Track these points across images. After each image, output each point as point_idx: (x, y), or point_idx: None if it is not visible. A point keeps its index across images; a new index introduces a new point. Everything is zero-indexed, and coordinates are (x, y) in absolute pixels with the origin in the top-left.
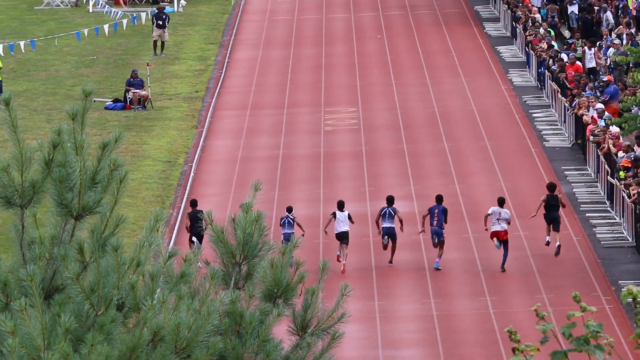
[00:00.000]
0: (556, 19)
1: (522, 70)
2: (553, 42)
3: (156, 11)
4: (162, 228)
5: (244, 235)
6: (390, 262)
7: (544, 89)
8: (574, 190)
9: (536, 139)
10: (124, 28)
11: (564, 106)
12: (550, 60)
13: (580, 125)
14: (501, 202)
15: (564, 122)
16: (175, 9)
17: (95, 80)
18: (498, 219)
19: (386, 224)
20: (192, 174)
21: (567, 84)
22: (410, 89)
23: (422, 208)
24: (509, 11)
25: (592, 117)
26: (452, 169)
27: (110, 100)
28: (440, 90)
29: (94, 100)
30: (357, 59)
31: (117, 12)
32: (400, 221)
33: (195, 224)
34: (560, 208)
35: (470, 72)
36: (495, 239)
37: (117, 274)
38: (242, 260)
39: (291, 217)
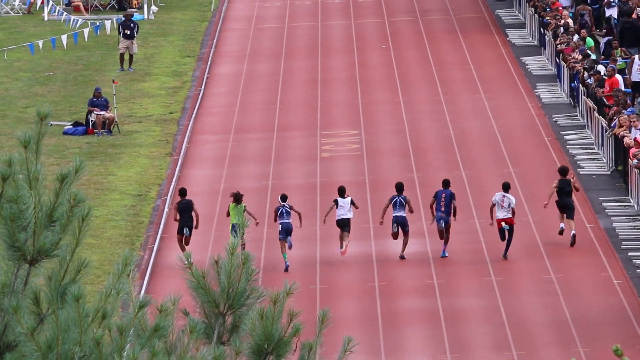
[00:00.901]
0: (588, 21)
1: (552, 85)
2: (590, 52)
3: (123, 19)
4: (132, 273)
5: (228, 281)
6: (402, 257)
7: (578, 106)
8: (614, 225)
9: (569, 166)
10: (86, 39)
11: (602, 127)
12: (585, 73)
13: (620, 149)
14: (506, 188)
15: (602, 145)
16: (146, 16)
17: (52, 100)
18: (502, 207)
19: (397, 213)
20: (166, 210)
21: (604, 100)
22: (421, 107)
23: (435, 247)
24: (536, 16)
25: (634, 139)
26: (471, 200)
27: (70, 123)
28: (457, 109)
29: (51, 124)
30: (359, 73)
31: (77, 20)
32: (411, 210)
33: (185, 215)
34: (574, 193)
35: (491, 87)
36: (503, 223)
37: (79, 327)
38: (226, 310)
39: (287, 205)
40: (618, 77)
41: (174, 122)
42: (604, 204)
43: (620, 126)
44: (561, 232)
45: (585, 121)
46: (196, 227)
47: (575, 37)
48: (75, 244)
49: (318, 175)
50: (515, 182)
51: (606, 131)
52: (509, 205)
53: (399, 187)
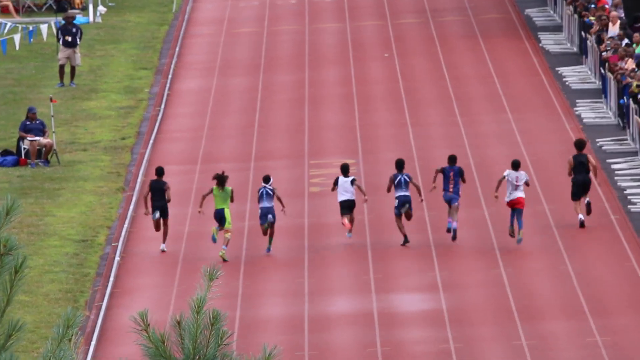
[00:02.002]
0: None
1: (596, 102)
2: None
3: (63, 22)
4: (75, 337)
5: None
6: (406, 242)
7: (629, 128)
8: None
9: (617, 201)
10: (17, 47)
11: None
12: (638, 87)
13: None
14: (516, 165)
15: None
16: (91, 19)
17: None
18: (516, 187)
19: (401, 192)
20: (117, 259)
21: None
22: (433, 130)
23: (453, 303)
24: (576, 16)
25: None
26: (495, 245)
27: None
28: (477, 133)
29: None
30: (356, 89)
31: (6, 24)
32: (418, 189)
33: (157, 196)
34: (591, 172)
35: (520, 105)
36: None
37: None
38: None
39: (269, 187)
40: None
41: (127, 150)
42: None
43: None
44: (582, 224)
45: (638, 146)
46: (168, 201)
47: (625, 42)
48: (5, 302)
49: (306, 215)
50: (550, 223)
51: None
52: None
53: (400, 164)
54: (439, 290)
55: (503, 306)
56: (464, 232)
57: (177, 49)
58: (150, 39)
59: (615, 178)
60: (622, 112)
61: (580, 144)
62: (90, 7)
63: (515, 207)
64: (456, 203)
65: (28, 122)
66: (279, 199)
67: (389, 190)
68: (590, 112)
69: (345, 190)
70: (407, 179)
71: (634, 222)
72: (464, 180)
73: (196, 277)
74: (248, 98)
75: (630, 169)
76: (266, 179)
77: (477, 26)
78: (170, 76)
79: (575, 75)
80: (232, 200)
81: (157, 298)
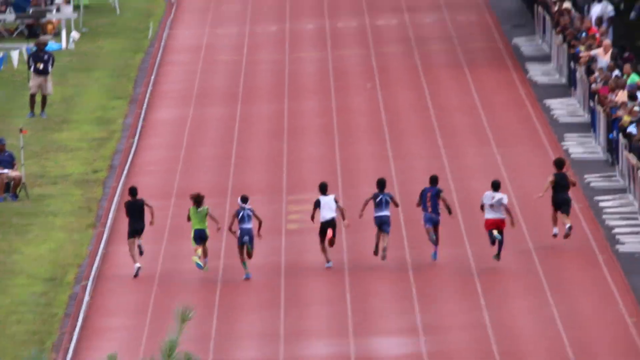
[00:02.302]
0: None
1: (585, 136)
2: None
3: (34, 49)
4: None
5: None
6: (384, 256)
7: (618, 164)
8: None
9: (604, 240)
10: None
11: None
12: (628, 120)
13: None
14: (496, 186)
15: None
16: (64, 46)
17: None
18: (492, 205)
19: (381, 212)
20: (86, 299)
21: None
22: (417, 163)
23: (434, 346)
24: (566, 45)
25: None
26: (479, 287)
27: None
28: (462, 166)
29: None
30: (337, 120)
31: None
32: (396, 205)
33: (136, 217)
34: (570, 187)
35: (506, 138)
36: (495, 231)
37: None
38: None
39: (249, 208)
40: None
41: (99, 184)
42: None
43: None
44: (555, 236)
45: (627, 183)
46: (151, 223)
47: (615, 74)
48: None
49: (282, 253)
50: (535, 262)
51: None
52: (500, 203)
53: (381, 184)
54: (419, 333)
55: (485, 350)
56: (446, 271)
57: (152, 77)
58: (125, 67)
59: (604, 216)
60: (612, 147)
61: (560, 163)
62: (63, 33)
63: (491, 228)
64: (431, 225)
65: None
66: (258, 220)
67: (365, 204)
68: (578, 146)
69: (330, 209)
70: (389, 199)
71: (622, 262)
72: (444, 200)
73: (169, 318)
74: (225, 129)
75: (619, 207)
76: (244, 199)
77: (463, 55)
78: (144, 106)
79: (564, 108)
80: (215, 220)
81: (127, 340)
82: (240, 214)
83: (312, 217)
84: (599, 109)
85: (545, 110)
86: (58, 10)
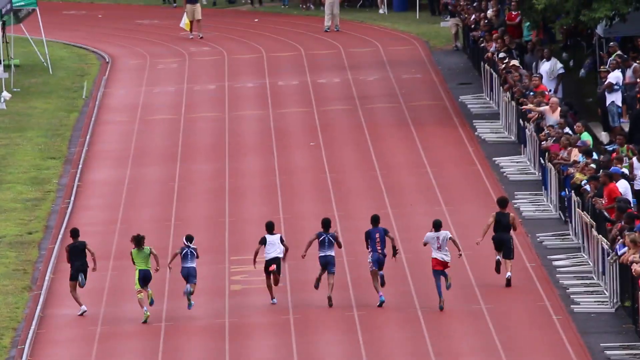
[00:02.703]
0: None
1: (536, 195)
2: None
3: None
4: None
5: None
6: (329, 298)
7: (571, 222)
8: None
9: (559, 300)
10: None
11: (605, 251)
12: (580, 177)
13: (628, 279)
14: (438, 225)
15: (603, 274)
16: None
17: None
18: (439, 247)
19: (324, 252)
20: None
21: (606, 215)
22: (362, 223)
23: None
24: (513, 103)
25: None
26: (431, 350)
27: None
28: (410, 226)
29: None
30: (280, 180)
31: None
32: (339, 246)
33: (77, 258)
34: (512, 231)
35: (454, 197)
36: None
37: None
38: None
39: (193, 247)
40: (622, 182)
41: (34, 246)
42: (607, 352)
43: (631, 252)
44: (498, 263)
45: (581, 242)
46: (94, 269)
47: (567, 131)
48: None
49: (226, 315)
50: (487, 321)
51: (609, 255)
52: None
53: (326, 224)
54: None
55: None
56: (397, 343)
57: (87, 137)
58: (59, 127)
59: (557, 276)
60: (564, 205)
61: (503, 202)
62: None
63: (437, 268)
64: (382, 271)
65: None
66: (197, 256)
67: (310, 244)
68: (529, 204)
69: (275, 247)
70: (332, 240)
71: (577, 323)
72: (391, 238)
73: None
74: (164, 189)
75: (572, 265)
76: (189, 239)
77: (409, 113)
78: (80, 166)
79: (514, 166)
80: (156, 260)
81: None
82: (184, 252)
83: (255, 255)
84: (549, 166)
85: (495, 167)
86: None
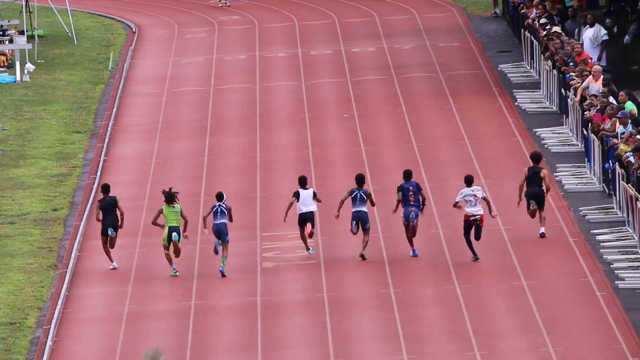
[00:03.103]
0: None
1: (579, 167)
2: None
3: None
4: None
5: None
6: (362, 256)
7: (615, 195)
8: None
9: (603, 276)
10: None
11: None
12: (625, 149)
13: None
14: (470, 180)
15: None
16: (18, 79)
17: None
18: (475, 203)
19: (356, 208)
20: (49, 344)
21: None
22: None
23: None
24: (555, 72)
25: None
26: (470, 328)
27: None
28: (447, 201)
29: None
30: (313, 153)
31: None
32: (372, 204)
33: (110, 214)
34: (545, 189)
35: (493, 170)
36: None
37: None
38: None
39: (224, 205)
40: None
41: (60, 223)
42: None
43: None
44: (542, 235)
45: (626, 216)
46: (121, 227)
47: (610, 100)
48: None
49: (258, 293)
50: (529, 299)
51: None
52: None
53: (360, 180)
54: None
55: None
56: (434, 321)
57: (114, 110)
58: (84, 99)
59: (601, 251)
60: (608, 178)
61: (536, 157)
62: (17, 64)
63: (471, 222)
64: (416, 220)
65: None
66: (230, 215)
67: (342, 202)
68: (572, 177)
69: (307, 203)
70: (364, 196)
71: (622, 299)
72: (423, 198)
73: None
74: (193, 164)
75: (617, 240)
76: (220, 197)
77: (446, 83)
78: (106, 140)
79: (555, 137)
80: (184, 224)
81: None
82: (214, 209)
83: (288, 209)
84: (592, 137)
85: (536, 139)
86: (11, 41)
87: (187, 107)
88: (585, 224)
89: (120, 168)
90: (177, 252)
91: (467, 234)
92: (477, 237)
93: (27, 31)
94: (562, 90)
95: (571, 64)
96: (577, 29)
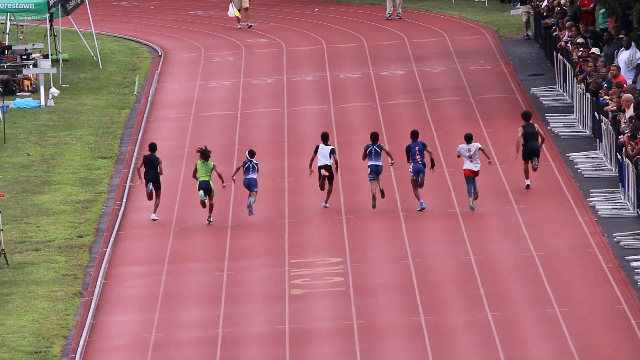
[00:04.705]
0: None
1: (613, 192)
2: None
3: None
4: None
5: None
6: (374, 206)
7: None
8: None
9: (638, 304)
10: None
11: None
12: None
13: None
14: (469, 138)
15: None
16: (43, 103)
17: None
18: (470, 156)
19: (372, 162)
20: None
21: None
22: (430, 224)
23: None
24: (589, 95)
25: None
26: (502, 357)
27: None
28: (479, 226)
29: None
30: (342, 178)
31: None
32: (388, 155)
33: (150, 170)
34: (540, 140)
35: (526, 195)
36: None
37: None
38: None
39: (255, 162)
40: None
41: (85, 250)
42: None
43: None
44: (528, 187)
45: None
46: (161, 173)
47: None
48: None
49: (287, 321)
50: (563, 327)
51: None
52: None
53: (374, 137)
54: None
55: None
56: (466, 349)
57: (139, 135)
58: (110, 124)
59: (636, 277)
60: None
61: (526, 115)
62: (42, 89)
63: (469, 175)
64: (423, 175)
65: None
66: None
67: (363, 158)
68: (606, 203)
69: (325, 157)
70: (379, 150)
71: None
72: (429, 152)
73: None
74: (221, 190)
75: None
76: (251, 154)
77: (477, 107)
78: (132, 166)
79: (589, 162)
80: (220, 176)
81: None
82: (246, 165)
83: (311, 162)
84: (627, 162)
85: (569, 164)
86: (35, 65)
87: (214, 131)
88: (619, 250)
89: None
90: (210, 208)
91: (469, 186)
92: (475, 197)
93: (51, 55)
94: (596, 114)
95: (605, 85)
96: (613, 51)
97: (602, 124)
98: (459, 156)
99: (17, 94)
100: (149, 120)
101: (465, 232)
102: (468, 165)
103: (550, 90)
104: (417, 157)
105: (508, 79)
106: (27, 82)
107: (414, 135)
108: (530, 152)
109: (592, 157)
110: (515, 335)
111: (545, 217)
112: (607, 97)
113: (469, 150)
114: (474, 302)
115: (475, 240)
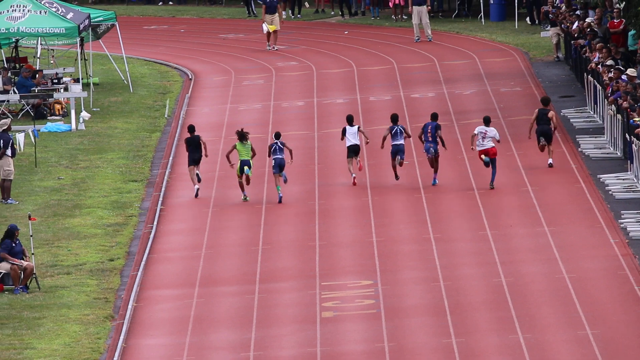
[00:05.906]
0: None
1: None
2: None
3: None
4: None
5: None
6: (396, 177)
7: None
8: None
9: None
10: None
11: None
12: None
13: None
14: (487, 121)
15: None
16: (74, 127)
17: None
18: (484, 137)
19: (395, 141)
20: None
21: None
22: (460, 246)
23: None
24: (619, 117)
25: None
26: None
27: None
28: (510, 249)
29: None
30: (373, 200)
31: None
32: (408, 135)
33: (194, 149)
34: (554, 131)
35: (557, 216)
36: (483, 155)
37: None
38: None
39: (280, 142)
40: None
41: (116, 273)
42: None
43: None
44: (550, 165)
45: None
46: (206, 156)
47: None
48: None
49: (318, 344)
50: (595, 349)
51: None
52: (492, 137)
53: (394, 118)
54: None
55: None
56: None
57: (170, 158)
58: (140, 147)
59: None
60: None
61: (545, 100)
62: (72, 113)
63: (486, 155)
64: (433, 151)
65: (10, 243)
66: (289, 150)
67: (385, 137)
68: (637, 224)
69: (353, 136)
70: (402, 130)
71: None
72: (440, 137)
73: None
74: (251, 211)
75: None
76: (277, 135)
77: (508, 129)
78: (163, 189)
79: (620, 183)
80: (254, 153)
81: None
82: (273, 147)
83: (343, 138)
84: None
85: (600, 185)
86: (66, 89)
87: None
88: None
89: (177, 217)
90: (248, 181)
91: (486, 165)
92: (493, 168)
93: (82, 79)
94: (627, 136)
95: (637, 106)
96: None
97: (633, 145)
98: (474, 136)
99: (48, 118)
100: (180, 143)
101: (496, 254)
102: (480, 147)
103: (581, 112)
104: (429, 136)
105: (539, 101)
106: (58, 106)
107: (433, 117)
108: (541, 133)
109: (623, 179)
110: (547, 357)
111: (577, 239)
112: (637, 119)
113: (485, 133)
114: (506, 325)
115: (506, 262)
